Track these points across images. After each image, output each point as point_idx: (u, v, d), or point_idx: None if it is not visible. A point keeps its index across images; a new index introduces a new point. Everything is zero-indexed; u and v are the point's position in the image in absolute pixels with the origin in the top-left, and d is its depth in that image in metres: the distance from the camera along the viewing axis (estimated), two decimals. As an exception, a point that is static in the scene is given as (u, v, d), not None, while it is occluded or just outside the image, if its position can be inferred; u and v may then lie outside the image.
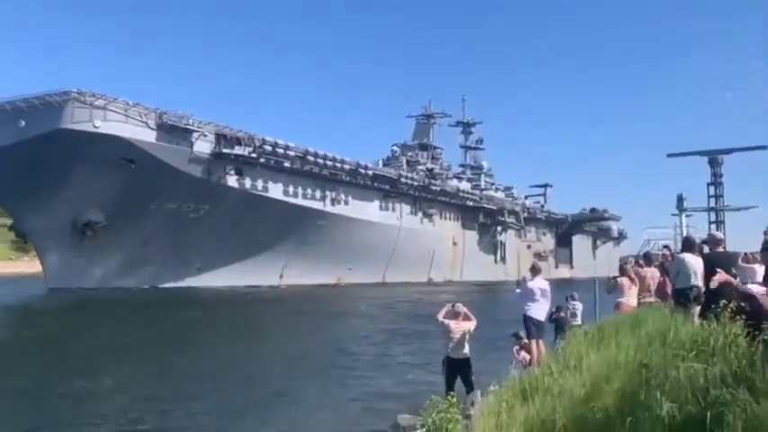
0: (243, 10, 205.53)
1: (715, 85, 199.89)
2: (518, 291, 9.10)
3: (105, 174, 33.72)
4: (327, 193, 47.87)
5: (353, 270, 53.19)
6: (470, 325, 8.52)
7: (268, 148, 40.06)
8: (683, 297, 7.26)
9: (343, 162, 47.42)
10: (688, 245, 7.83)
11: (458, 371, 8.34)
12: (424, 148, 76.37)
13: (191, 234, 40.64)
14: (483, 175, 78.10)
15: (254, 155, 38.90)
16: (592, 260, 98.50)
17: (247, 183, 40.81)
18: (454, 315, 8.56)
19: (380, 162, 62.77)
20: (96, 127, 31.44)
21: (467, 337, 8.42)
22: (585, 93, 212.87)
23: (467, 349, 8.42)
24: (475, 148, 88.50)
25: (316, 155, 44.50)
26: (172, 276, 41.84)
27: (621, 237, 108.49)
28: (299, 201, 45.38)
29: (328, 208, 48.05)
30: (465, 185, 69.97)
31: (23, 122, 30.86)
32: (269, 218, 43.32)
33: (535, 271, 9.07)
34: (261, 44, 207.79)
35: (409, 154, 71.54)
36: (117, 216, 36.58)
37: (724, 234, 22.99)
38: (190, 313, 27.18)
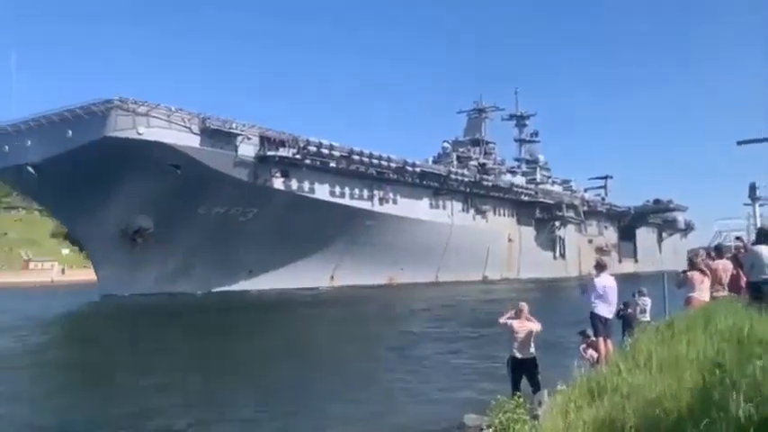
0: (287, 10, 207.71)
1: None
2: (583, 294, 8.82)
3: (152, 180, 33.96)
4: (375, 192, 47.08)
5: (405, 270, 52.28)
6: (535, 326, 8.45)
7: (312, 148, 39.59)
8: (757, 291, 7.01)
9: (389, 160, 46.51)
10: (763, 236, 7.49)
11: (524, 371, 8.30)
12: (476, 143, 74.71)
13: (241, 237, 40.64)
14: (539, 169, 75.67)
15: (298, 156, 38.49)
16: (657, 253, 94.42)
17: (293, 184, 40.46)
18: (517, 314, 8.49)
19: (430, 159, 61.57)
20: (140, 134, 31.65)
21: (532, 336, 8.36)
22: (645, 81, 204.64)
23: (532, 349, 8.36)
24: (530, 141, 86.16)
25: (361, 153, 43.77)
26: (224, 280, 41.98)
27: (689, 228, 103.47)
28: (347, 201, 44.76)
29: (376, 207, 47.25)
30: (519, 180, 67.89)
31: (71, 132, 31.37)
32: (317, 219, 42.90)
33: (600, 267, 8.75)
34: (308, 44, 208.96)
35: (461, 150, 70.05)
36: (166, 222, 36.86)
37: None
38: (248, 317, 26.91)
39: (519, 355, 8.31)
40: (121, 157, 31.87)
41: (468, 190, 57.05)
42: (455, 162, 63.19)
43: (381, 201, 47.80)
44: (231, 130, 35.33)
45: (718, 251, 10.76)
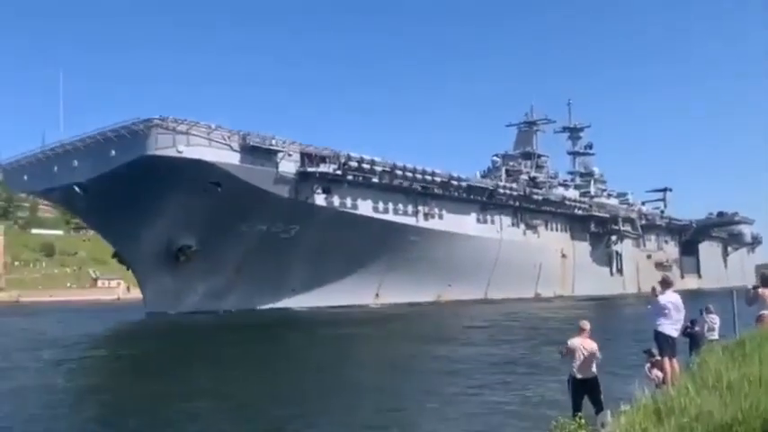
0: (322, 24, 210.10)
1: None
2: (649, 307, 8.61)
3: (193, 198, 33.98)
4: (420, 207, 46.06)
5: (453, 286, 50.91)
6: (595, 346, 8.12)
7: (354, 164, 38.98)
8: None
9: (434, 174, 45.45)
10: None
11: (585, 391, 8.02)
12: (527, 156, 72.87)
13: (284, 254, 40.30)
14: (593, 182, 73.07)
15: (339, 172, 37.93)
16: (723, 269, 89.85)
17: (336, 201, 39.90)
18: (579, 332, 8.25)
19: (478, 174, 60.08)
20: (180, 152, 31.71)
21: (595, 356, 8.06)
22: (700, 88, 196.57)
23: (594, 368, 8.10)
24: (584, 154, 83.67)
25: (404, 168, 42.91)
26: (268, 298, 41.71)
27: (756, 242, 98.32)
28: (390, 216, 43.89)
29: (421, 223, 46.19)
30: (572, 193, 65.57)
31: (114, 152, 31.73)
32: (360, 235, 42.18)
33: (666, 284, 8.51)
34: (352, 58, 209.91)
35: (511, 164, 68.42)
36: (208, 240, 36.84)
37: None
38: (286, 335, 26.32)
39: (580, 375, 8.03)
40: (162, 175, 32.00)
41: (517, 204, 55.36)
42: (504, 176, 61.65)
43: (426, 216, 46.73)
44: (271, 147, 35.08)
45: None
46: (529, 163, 71.31)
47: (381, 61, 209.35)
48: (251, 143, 34.14)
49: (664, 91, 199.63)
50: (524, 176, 64.33)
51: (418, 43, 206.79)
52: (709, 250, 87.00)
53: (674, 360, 8.33)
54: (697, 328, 11.62)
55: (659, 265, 75.53)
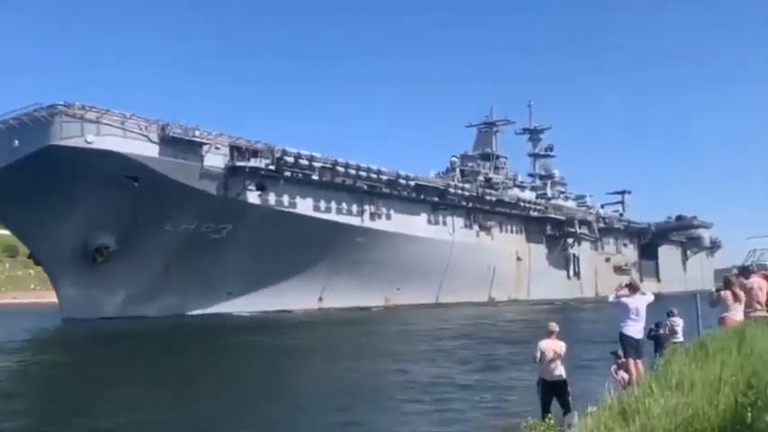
0: (293, 25, 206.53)
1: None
2: (610, 299, 8.79)
3: (109, 194, 31.23)
4: (366, 207, 43.86)
5: (403, 290, 48.88)
6: (563, 347, 8.26)
7: (290, 159, 36.54)
8: None
9: (380, 172, 43.29)
10: None
11: (554, 393, 8.13)
12: (486, 157, 71.51)
13: (217, 256, 37.67)
14: (550, 184, 71.86)
15: (273, 167, 35.44)
16: (682, 273, 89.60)
17: (271, 198, 37.46)
18: (548, 334, 8.35)
19: (432, 173, 58.19)
20: (89, 142, 28.96)
21: (561, 357, 8.20)
22: (659, 93, 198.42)
23: (562, 370, 8.20)
24: (544, 156, 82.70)
25: (347, 165, 40.65)
26: (200, 302, 39.01)
27: (715, 246, 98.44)
28: (333, 216, 41.60)
29: (367, 223, 43.99)
30: (528, 195, 64.15)
31: (17, 142, 28.86)
32: (301, 236, 39.80)
33: (632, 288, 8.73)
34: (312, 57, 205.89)
35: (469, 164, 66.90)
36: (129, 239, 34.05)
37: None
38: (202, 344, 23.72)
39: (548, 377, 8.14)
40: (72, 168, 29.22)
41: (470, 205, 53.56)
42: (458, 176, 59.94)
43: (373, 216, 44.56)
44: (195, 139, 32.48)
45: (745, 271, 10.53)
46: (488, 164, 70.01)
47: (336, 58, 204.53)
48: (171, 134, 31.51)
49: (625, 94, 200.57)
50: (481, 177, 62.90)
51: (377, 39, 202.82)
52: (668, 254, 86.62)
53: (639, 361, 8.47)
54: (661, 331, 11.89)
55: (618, 269, 74.70)
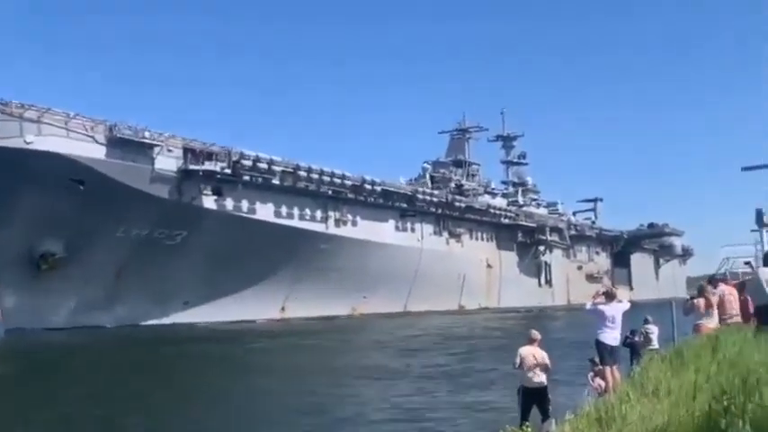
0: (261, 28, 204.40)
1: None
2: (587, 307, 9.08)
3: (53, 197, 29.59)
4: (330, 213, 42.64)
5: (369, 298, 47.66)
6: (545, 355, 8.33)
7: (247, 162, 35.18)
8: (762, 315, 7.42)
9: (344, 177, 42.11)
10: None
11: (534, 400, 8.17)
12: (458, 164, 71.01)
13: (171, 263, 36.07)
14: (521, 191, 71.39)
15: (228, 171, 34.06)
16: (654, 280, 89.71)
17: (229, 204, 36.08)
18: (529, 341, 8.43)
19: (402, 179, 57.22)
20: (28, 142, 27.39)
21: (546, 365, 8.25)
22: (638, 102, 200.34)
23: (543, 378, 8.21)
24: (517, 163, 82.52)
25: (309, 170, 39.39)
26: (155, 312, 37.40)
27: (687, 254, 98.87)
28: (295, 222, 40.31)
29: (332, 230, 42.75)
30: (499, 202, 63.48)
31: (-46, 141, 27.18)
32: (262, 243, 38.42)
33: (609, 296, 8.96)
34: (284, 61, 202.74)
35: (441, 171, 66.26)
36: (78, 245, 32.39)
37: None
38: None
39: (528, 384, 8.19)
40: (10, 169, 27.59)
41: (439, 211, 52.62)
42: (428, 182, 59.10)
43: (338, 222, 43.35)
44: (145, 140, 31.02)
45: (713, 280, 10.84)
46: (460, 171, 69.44)
47: (307, 63, 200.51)
48: (119, 135, 30.00)
49: (599, 101, 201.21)
50: (452, 184, 62.19)
51: (350, 45, 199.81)
52: (640, 262, 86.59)
53: (616, 369, 8.58)
54: (636, 338, 11.99)
55: (590, 277, 74.27)
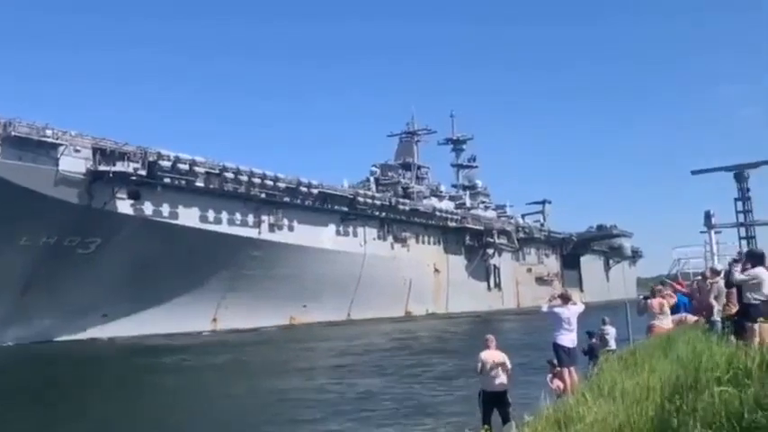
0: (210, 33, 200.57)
1: (735, 101, 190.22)
2: (544, 309, 9.26)
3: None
4: (263, 217, 40.32)
5: (309, 307, 45.44)
6: (505, 358, 8.39)
7: (165, 163, 32.62)
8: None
9: (277, 179, 39.87)
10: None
11: (494, 404, 8.24)
12: (407, 167, 69.60)
13: (86, 273, 33.25)
14: (469, 194, 70.33)
15: (143, 172, 31.46)
16: (605, 282, 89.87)
17: (147, 208, 33.45)
18: (486, 346, 8.52)
19: (345, 183, 55.21)
20: None
21: (506, 367, 8.33)
22: (581, 104, 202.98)
23: (503, 380, 8.29)
24: (467, 167, 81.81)
25: (237, 171, 37.03)
26: (70, 326, 34.44)
27: (637, 255, 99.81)
28: (224, 228, 37.86)
29: (265, 235, 40.42)
30: (446, 205, 62.07)
31: None
32: (187, 250, 35.93)
33: (565, 299, 9.17)
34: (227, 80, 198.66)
35: (390, 174, 64.67)
36: (-25, 256, 29.36)
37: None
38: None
39: (489, 388, 8.29)
40: None
41: (383, 215, 50.82)
42: (373, 185, 57.32)
43: (272, 227, 41.05)
44: (46, 139, 28.24)
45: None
46: (409, 174, 68.08)
47: (257, 64, 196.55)
48: (15, 133, 27.19)
49: (548, 104, 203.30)
50: (399, 187, 60.69)
51: (291, 45, 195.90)
52: (590, 264, 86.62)
53: (573, 370, 8.87)
54: (594, 340, 12.10)
55: (540, 280, 73.74)
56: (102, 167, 29.81)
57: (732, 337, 7.28)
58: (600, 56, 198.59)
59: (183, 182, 34.62)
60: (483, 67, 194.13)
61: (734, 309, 8.78)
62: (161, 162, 32.14)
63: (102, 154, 30.11)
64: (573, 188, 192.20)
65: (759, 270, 7.52)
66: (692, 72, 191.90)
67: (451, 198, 66.12)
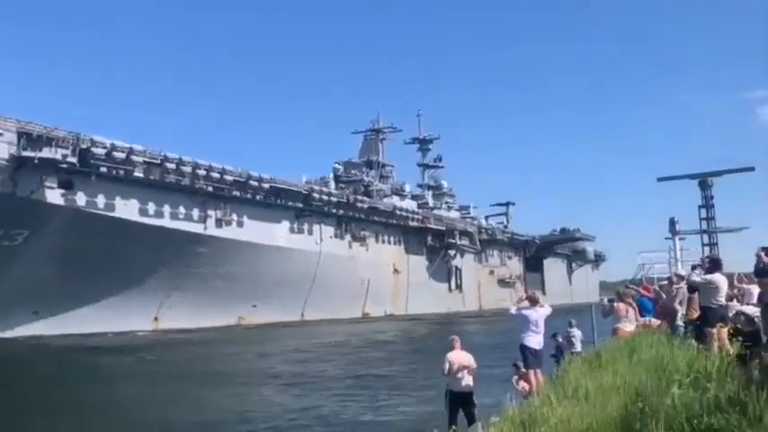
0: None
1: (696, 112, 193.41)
2: (512, 311, 9.43)
3: None
4: (210, 212, 38.33)
5: (260, 307, 43.56)
6: (471, 359, 8.53)
7: (98, 151, 30.44)
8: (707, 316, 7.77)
9: (224, 172, 37.93)
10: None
11: (461, 404, 8.31)
12: (371, 165, 68.15)
13: (13, 267, 30.96)
14: (433, 194, 69.21)
15: (73, 159, 29.24)
16: (568, 285, 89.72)
17: (80, 199, 31.25)
18: (452, 347, 8.61)
19: (304, 179, 53.44)
20: None
21: (471, 368, 8.46)
22: (550, 107, 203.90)
23: (469, 381, 8.39)
24: (433, 167, 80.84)
25: (181, 162, 35.00)
26: (-2, 323, 32.10)
27: (600, 259, 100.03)
28: (166, 222, 35.80)
29: (212, 231, 38.41)
30: (408, 204, 60.69)
31: None
32: (127, 245, 33.83)
33: (532, 301, 9.35)
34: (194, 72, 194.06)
35: (353, 172, 63.11)
36: None
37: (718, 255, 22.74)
38: None
39: (455, 389, 8.34)
40: None
41: (340, 212, 49.18)
42: (332, 182, 55.66)
43: (220, 222, 39.06)
44: (-41, 121, 25.98)
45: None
46: (372, 172, 66.67)
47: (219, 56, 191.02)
48: (-76, 114, 24.90)
49: (514, 106, 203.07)
50: (360, 185, 59.20)
51: (262, 39, 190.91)
52: (553, 266, 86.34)
53: (539, 371, 8.97)
54: (561, 339, 12.39)
55: (502, 282, 72.97)
56: (28, 153, 27.54)
57: (693, 342, 7.40)
58: (567, 63, 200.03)
59: (122, 172, 32.50)
60: (451, 66, 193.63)
61: (695, 314, 8.87)
62: (94, 149, 29.98)
63: (28, 138, 27.85)
64: (538, 192, 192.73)
65: (716, 276, 7.70)
66: (658, 82, 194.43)
67: (414, 197, 64.80)
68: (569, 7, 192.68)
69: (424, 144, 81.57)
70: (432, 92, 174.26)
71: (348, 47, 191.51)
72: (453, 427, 7.42)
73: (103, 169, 31.39)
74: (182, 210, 36.53)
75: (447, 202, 71.87)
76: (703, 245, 31.66)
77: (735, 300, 8.80)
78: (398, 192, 62.45)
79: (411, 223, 57.44)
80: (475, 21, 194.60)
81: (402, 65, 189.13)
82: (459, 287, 64.73)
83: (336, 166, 63.50)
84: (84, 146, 29.70)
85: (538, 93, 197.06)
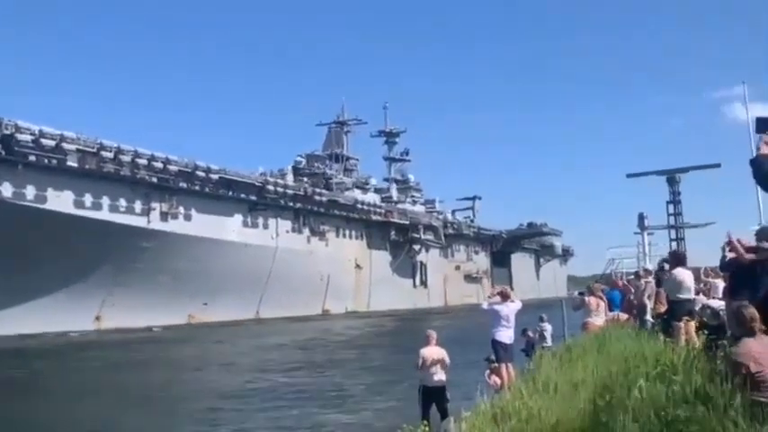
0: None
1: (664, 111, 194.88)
2: (484, 306, 9.59)
3: None
4: (154, 204, 36.24)
5: (211, 305, 41.54)
6: (444, 354, 8.60)
7: (24, 138, 28.21)
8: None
9: (168, 162, 35.84)
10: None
11: (433, 399, 8.40)
12: (335, 158, 66.38)
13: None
14: (398, 188, 67.67)
15: (-5, 147, 27.00)
16: (535, 280, 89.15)
17: (6, 190, 28.99)
18: (427, 341, 8.66)
19: (260, 171, 51.43)
20: None
21: (444, 363, 8.54)
22: (519, 102, 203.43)
23: (442, 376, 8.49)
24: (400, 160, 79.14)
25: (119, 151, 32.85)
26: None
27: (568, 254, 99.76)
28: (105, 215, 33.63)
29: (156, 224, 36.33)
30: (371, 197, 59.10)
31: None
32: (62, 239, 31.61)
33: (504, 296, 9.44)
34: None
35: (316, 164, 61.28)
36: None
37: (685, 250, 23.71)
38: None
39: (428, 383, 8.42)
40: None
41: (297, 206, 47.35)
42: (290, 174, 53.76)
43: (165, 216, 36.99)
44: None
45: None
46: (337, 165, 64.98)
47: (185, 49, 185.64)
48: None
49: (475, 100, 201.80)
50: (322, 178, 57.49)
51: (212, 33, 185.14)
52: (521, 261, 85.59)
53: (510, 366, 9.06)
54: (531, 334, 12.81)
55: (469, 277, 71.91)
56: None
57: (661, 335, 7.55)
58: (536, 59, 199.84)
59: (55, 161, 30.28)
60: (419, 60, 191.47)
61: (663, 308, 8.99)
62: (19, 136, 27.72)
63: (-59, 124, 25.55)
64: (506, 187, 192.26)
65: (679, 270, 7.94)
66: (624, 82, 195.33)
67: (377, 191, 63.26)
68: (535, 4, 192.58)
69: (390, 137, 79.80)
70: (400, 85, 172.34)
71: (316, 37, 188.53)
72: (425, 421, 7.40)
73: (32, 158, 29.13)
74: (122, 202, 34.39)
75: (413, 196, 70.43)
76: (671, 240, 32.19)
77: (701, 294, 9.03)
78: (361, 185, 60.78)
79: (373, 217, 55.88)
80: (442, 14, 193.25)
81: (369, 57, 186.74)
82: (423, 283, 63.38)
83: (299, 158, 61.71)
84: (6, 131, 27.40)
85: (507, 89, 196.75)
